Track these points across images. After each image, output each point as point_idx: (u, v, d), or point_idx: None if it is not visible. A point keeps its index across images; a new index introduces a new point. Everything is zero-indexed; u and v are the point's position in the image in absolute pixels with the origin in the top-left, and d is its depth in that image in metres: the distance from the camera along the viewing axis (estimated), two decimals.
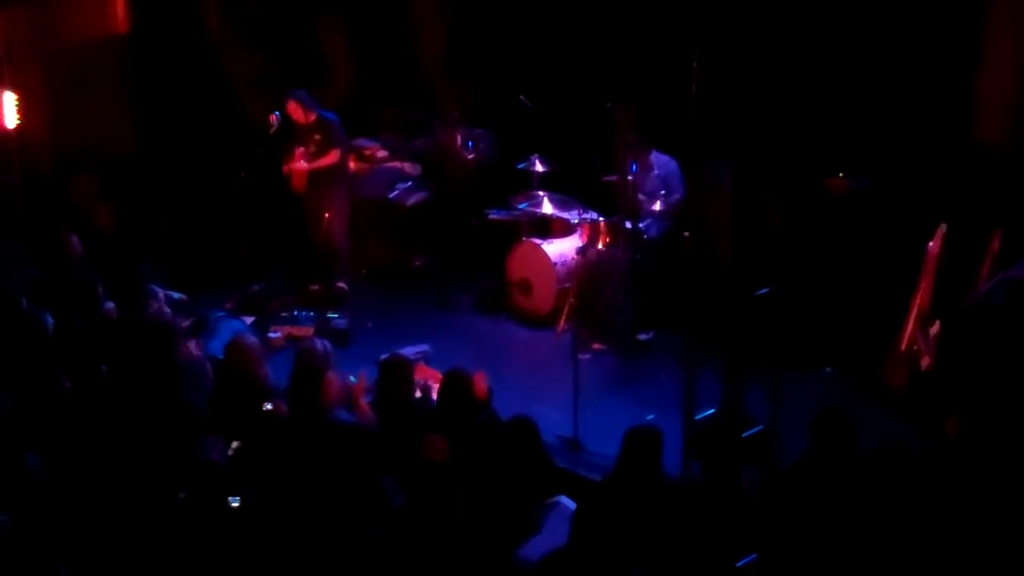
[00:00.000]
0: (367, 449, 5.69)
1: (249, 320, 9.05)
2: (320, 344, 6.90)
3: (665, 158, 8.92)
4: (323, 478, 5.34)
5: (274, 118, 9.24)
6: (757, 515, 5.27)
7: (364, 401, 6.42)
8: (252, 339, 7.00)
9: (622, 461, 5.44)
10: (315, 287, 9.52)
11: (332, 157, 9.38)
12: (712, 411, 6.64)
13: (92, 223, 9.83)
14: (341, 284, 9.57)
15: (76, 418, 5.96)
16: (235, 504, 5.12)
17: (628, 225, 8.55)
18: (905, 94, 8.02)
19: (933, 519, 4.97)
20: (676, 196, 8.75)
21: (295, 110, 9.31)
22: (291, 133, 9.42)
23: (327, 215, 9.33)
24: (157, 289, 8.23)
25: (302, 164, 9.33)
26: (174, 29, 10.58)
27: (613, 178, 8.72)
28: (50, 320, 6.87)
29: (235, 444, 5.97)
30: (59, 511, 5.22)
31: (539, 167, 9.36)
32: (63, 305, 7.36)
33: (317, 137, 9.34)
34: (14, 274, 8.43)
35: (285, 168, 9.42)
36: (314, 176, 9.36)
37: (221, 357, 7.06)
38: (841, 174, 8.08)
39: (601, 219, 8.86)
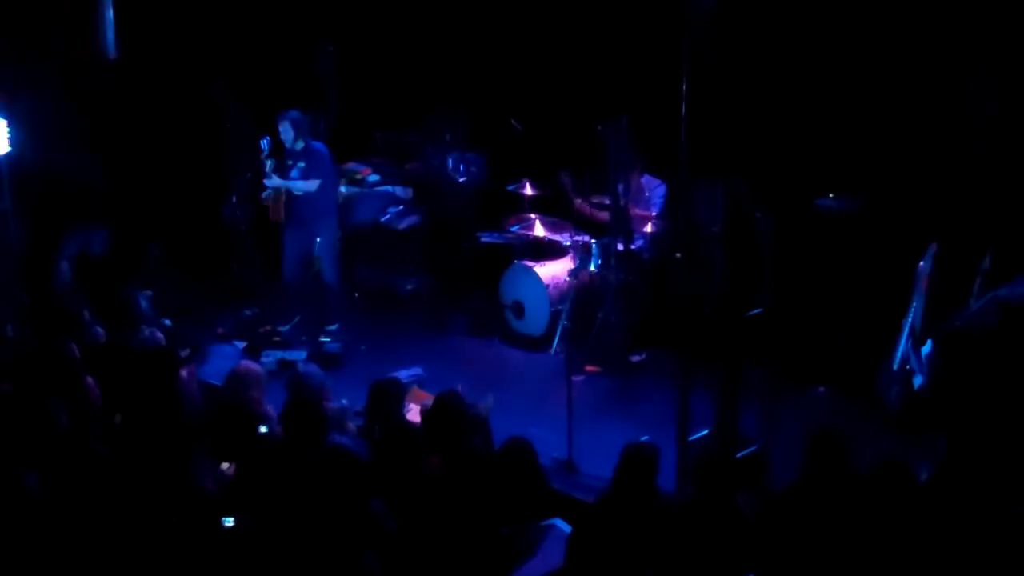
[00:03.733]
0: (360, 473, 5.67)
1: (241, 345, 9.03)
2: (314, 370, 6.89)
3: (655, 181, 8.96)
4: (317, 501, 5.32)
5: (263, 142, 9.17)
6: (752, 535, 5.25)
7: (352, 426, 6.42)
8: (255, 365, 6.97)
9: (618, 478, 5.43)
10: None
11: (310, 185, 9.06)
12: (706, 431, 6.64)
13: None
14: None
15: (69, 445, 5.93)
16: (228, 524, 5.09)
17: (620, 247, 8.58)
18: (895, 114, 8.05)
19: (929, 537, 4.97)
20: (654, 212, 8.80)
21: (286, 132, 9.05)
22: (275, 157, 9.20)
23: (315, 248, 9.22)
24: (150, 314, 8.22)
25: (275, 181, 9.02)
26: (164, 53, 10.60)
27: (583, 203, 8.80)
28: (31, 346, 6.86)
29: (226, 466, 5.96)
30: (52, 535, 5.19)
31: (530, 190, 9.39)
32: (54, 330, 7.35)
33: (302, 164, 9.08)
34: (5, 300, 8.43)
35: (265, 196, 9.18)
36: (297, 208, 9.11)
37: (212, 382, 7.04)
38: (832, 194, 8.11)
39: (593, 241, 8.88)
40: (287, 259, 9.32)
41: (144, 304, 8.28)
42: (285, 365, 8.57)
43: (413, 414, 6.86)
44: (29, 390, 6.36)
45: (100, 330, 7.67)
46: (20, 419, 6.02)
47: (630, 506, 5.30)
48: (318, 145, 9.26)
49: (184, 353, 7.84)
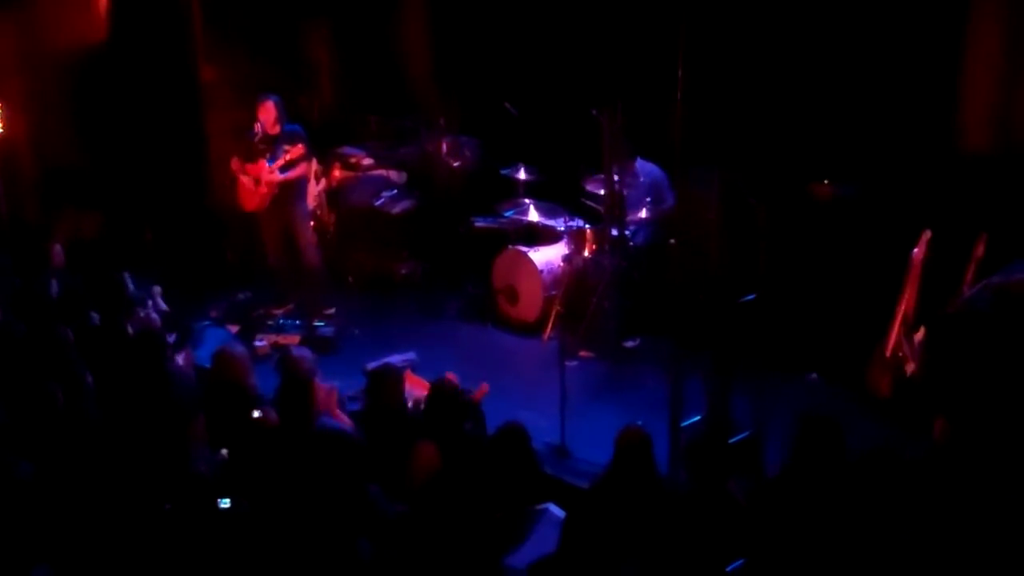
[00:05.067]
0: (355, 457, 5.68)
1: (234, 329, 9.02)
2: (306, 352, 6.88)
3: (650, 166, 8.95)
4: (312, 486, 5.33)
5: (258, 126, 9.15)
6: (744, 520, 5.27)
7: (340, 410, 6.43)
8: (239, 348, 6.99)
9: (617, 461, 5.44)
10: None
11: (300, 170, 9.11)
12: (698, 417, 6.65)
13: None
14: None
15: (66, 429, 5.93)
16: (224, 505, 5.11)
17: (614, 232, 8.57)
18: (889, 101, 8.06)
19: (921, 524, 4.99)
20: (665, 204, 8.76)
21: (268, 113, 8.99)
22: (253, 143, 9.15)
23: (295, 233, 9.20)
24: (146, 296, 8.22)
25: (275, 175, 9.00)
26: (157, 37, 10.56)
27: (595, 187, 8.77)
28: (23, 331, 6.85)
29: (223, 452, 5.96)
30: (46, 519, 5.20)
31: (525, 174, 9.37)
32: (48, 315, 7.34)
33: (285, 148, 9.02)
34: None
35: (246, 180, 9.11)
36: (275, 193, 9.09)
37: (207, 366, 7.04)
38: (826, 180, 8.11)
39: (587, 226, 8.88)
40: (269, 243, 9.33)
41: (134, 287, 8.27)
42: (279, 348, 8.57)
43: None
44: (26, 373, 6.37)
45: (95, 315, 7.67)
46: (18, 402, 6.03)
47: (629, 490, 5.31)
48: (296, 128, 9.20)
49: (174, 337, 7.85)
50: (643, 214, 8.85)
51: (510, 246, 9.31)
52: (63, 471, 5.56)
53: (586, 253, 8.85)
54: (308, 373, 6.29)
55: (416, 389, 7.01)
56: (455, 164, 10.08)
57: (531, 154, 9.42)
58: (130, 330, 7.32)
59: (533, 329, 9.07)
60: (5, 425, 5.89)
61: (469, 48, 10.25)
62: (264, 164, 9.04)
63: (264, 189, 9.07)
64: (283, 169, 9.03)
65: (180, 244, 10.45)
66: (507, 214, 9.41)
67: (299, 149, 9.01)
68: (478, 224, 9.74)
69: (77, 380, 6.49)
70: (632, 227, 8.78)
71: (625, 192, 8.53)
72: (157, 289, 8.42)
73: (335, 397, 6.51)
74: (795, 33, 8.23)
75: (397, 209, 10.20)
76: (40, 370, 6.41)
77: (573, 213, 9.08)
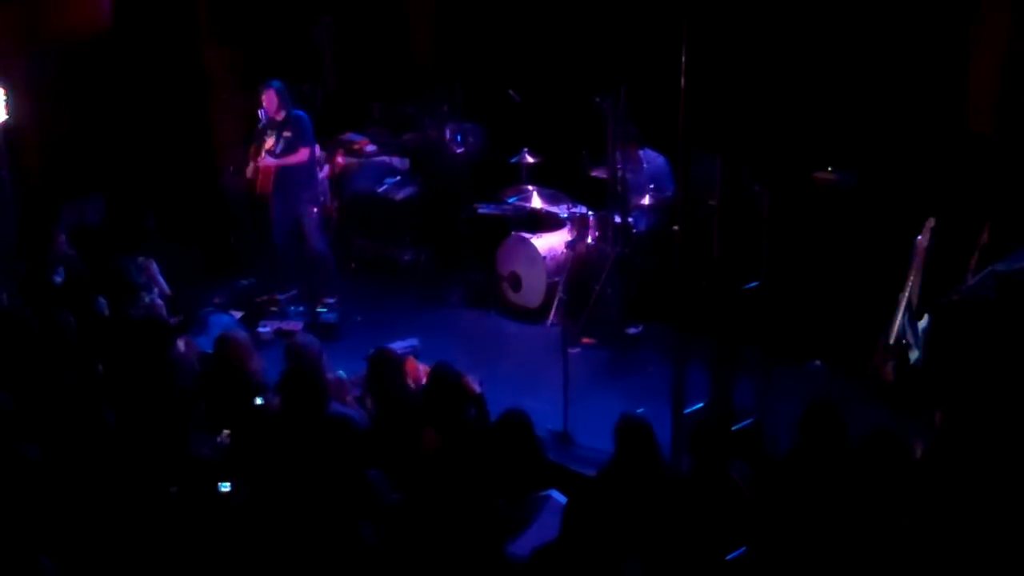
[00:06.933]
0: (358, 443, 5.69)
1: (238, 315, 9.03)
2: (312, 340, 6.90)
3: (653, 154, 8.93)
4: (315, 472, 5.34)
5: (262, 112, 9.16)
6: (747, 508, 5.27)
7: (350, 398, 6.43)
8: (242, 334, 6.99)
9: (620, 450, 5.44)
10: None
11: (300, 156, 9.11)
12: (701, 404, 6.65)
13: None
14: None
15: (72, 414, 5.94)
16: (225, 489, 5.12)
17: (617, 219, 8.56)
18: (894, 87, 8.03)
19: (922, 511, 4.99)
20: (666, 193, 8.74)
21: (271, 100, 9.04)
22: (258, 129, 9.21)
23: (301, 219, 9.20)
24: (150, 282, 8.22)
25: (268, 160, 9.06)
26: (160, 22, 10.55)
27: (600, 173, 8.76)
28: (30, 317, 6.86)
29: (226, 432, 5.98)
30: (50, 504, 5.21)
31: (528, 161, 9.35)
32: (55, 302, 7.35)
33: (287, 134, 9.05)
34: (3, 270, 8.42)
35: (250, 169, 9.17)
36: (282, 178, 9.11)
37: (210, 352, 7.05)
38: (829, 167, 8.09)
39: (590, 213, 8.86)
40: (277, 226, 9.34)
41: (137, 273, 8.27)
42: (282, 335, 8.59)
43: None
44: (33, 359, 6.38)
45: (103, 300, 7.68)
46: (26, 387, 6.04)
47: (631, 477, 5.31)
48: (300, 113, 9.21)
49: (176, 321, 7.86)
50: (646, 201, 8.83)
51: (513, 232, 9.30)
52: (70, 454, 5.58)
53: (589, 240, 8.84)
54: (313, 360, 6.31)
55: (418, 375, 7.01)
56: (458, 151, 10.07)
57: (534, 141, 9.40)
58: (134, 315, 7.33)
59: (536, 316, 9.08)
60: (13, 409, 5.89)
61: (472, 34, 10.22)
62: (262, 149, 9.07)
63: (260, 174, 9.09)
64: (276, 155, 9.03)
65: (184, 230, 10.44)
66: (510, 201, 9.40)
67: (288, 135, 9.05)
68: (481, 211, 9.72)
69: (84, 366, 6.50)
70: (635, 214, 8.77)
71: (628, 177, 8.52)
72: (155, 266, 8.40)
73: (345, 387, 6.52)
74: (800, 19, 8.20)
75: (400, 196, 10.19)
76: (47, 356, 6.42)
77: (576, 199, 9.07)
